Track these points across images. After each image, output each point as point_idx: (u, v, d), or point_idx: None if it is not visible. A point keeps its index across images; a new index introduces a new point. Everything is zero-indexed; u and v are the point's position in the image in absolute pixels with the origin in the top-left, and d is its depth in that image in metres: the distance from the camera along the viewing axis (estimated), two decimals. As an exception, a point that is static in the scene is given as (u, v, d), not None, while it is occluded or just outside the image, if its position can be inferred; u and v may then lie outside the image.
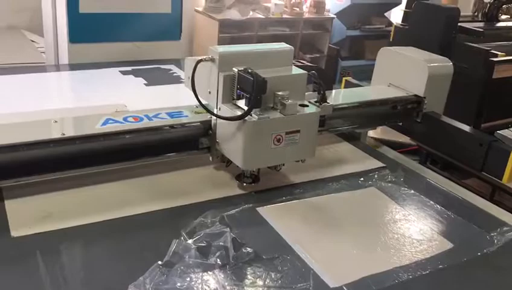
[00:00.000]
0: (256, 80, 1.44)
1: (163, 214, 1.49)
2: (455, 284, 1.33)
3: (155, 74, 2.70)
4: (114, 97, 2.23)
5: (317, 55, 6.39)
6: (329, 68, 6.25)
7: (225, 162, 1.71)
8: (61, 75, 2.81)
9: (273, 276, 1.25)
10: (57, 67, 2.92)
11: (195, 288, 1.18)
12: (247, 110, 1.47)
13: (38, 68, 2.98)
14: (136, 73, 2.66)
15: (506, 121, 3.14)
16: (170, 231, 1.36)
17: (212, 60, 1.55)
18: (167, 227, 1.42)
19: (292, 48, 1.68)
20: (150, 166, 1.67)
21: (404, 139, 2.45)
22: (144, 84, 2.52)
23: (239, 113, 1.49)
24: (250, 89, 1.45)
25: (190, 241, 1.31)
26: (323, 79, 1.72)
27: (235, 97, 1.54)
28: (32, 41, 4.22)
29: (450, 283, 1.33)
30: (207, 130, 1.68)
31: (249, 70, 1.47)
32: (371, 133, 2.29)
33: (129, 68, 2.72)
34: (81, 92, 2.51)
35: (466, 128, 1.98)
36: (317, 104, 1.68)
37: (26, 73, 2.66)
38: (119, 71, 2.67)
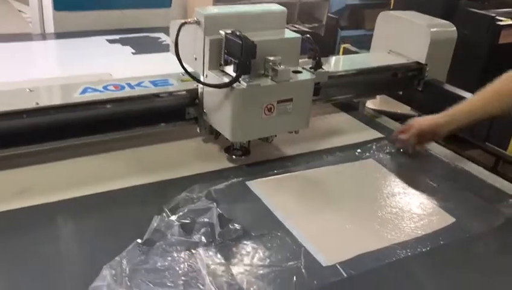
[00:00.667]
0: (245, 44, 1.33)
1: (147, 188, 1.40)
2: (458, 261, 1.24)
3: (143, 42, 2.58)
4: (100, 66, 2.12)
5: (316, 24, 6.22)
6: (328, 38, 6.09)
7: (213, 134, 1.61)
8: (47, 44, 2.69)
9: (261, 254, 1.16)
10: (43, 36, 2.79)
11: (177, 268, 1.09)
12: (235, 76, 1.36)
13: (23, 37, 2.84)
14: (123, 41, 2.54)
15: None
16: (153, 207, 1.27)
17: (197, 22, 1.43)
18: (150, 203, 1.32)
19: (285, 9, 1.56)
20: (132, 138, 1.58)
21: (404, 109, 2.35)
22: (132, 52, 2.40)
23: (227, 80, 1.38)
24: (239, 53, 1.34)
25: (173, 217, 1.23)
26: (319, 45, 1.60)
27: (222, 63, 1.43)
28: (20, 11, 4.09)
29: (452, 260, 1.23)
30: (194, 99, 1.57)
31: (237, 33, 1.36)
32: (369, 103, 2.19)
33: (116, 37, 2.59)
34: (66, 61, 2.40)
35: (470, 96, 1.88)
36: (312, 70, 1.57)
37: (11, 42, 2.53)
38: (106, 40, 2.55)
